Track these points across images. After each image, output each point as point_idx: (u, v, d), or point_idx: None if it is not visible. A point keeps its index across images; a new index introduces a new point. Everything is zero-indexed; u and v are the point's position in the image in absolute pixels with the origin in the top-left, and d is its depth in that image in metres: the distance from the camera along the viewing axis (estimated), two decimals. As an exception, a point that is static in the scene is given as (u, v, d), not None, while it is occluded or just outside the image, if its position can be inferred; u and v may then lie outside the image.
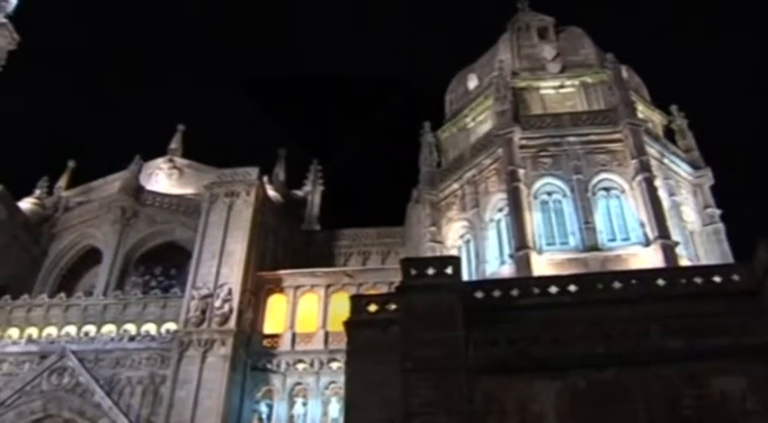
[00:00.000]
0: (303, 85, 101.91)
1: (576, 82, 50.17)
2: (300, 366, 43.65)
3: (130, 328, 46.52)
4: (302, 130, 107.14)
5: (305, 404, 42.47)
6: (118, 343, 45.40)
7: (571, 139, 45.42)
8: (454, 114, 53.33)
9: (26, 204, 57.31)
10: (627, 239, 41.66)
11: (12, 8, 73.85)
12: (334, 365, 42.34)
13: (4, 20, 72.01)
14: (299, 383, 43.24)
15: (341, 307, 38.97)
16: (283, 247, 52.71)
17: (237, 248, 46.84)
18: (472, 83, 53.95)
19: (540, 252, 40.98)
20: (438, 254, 42.35)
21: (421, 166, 50.79)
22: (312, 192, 62.16)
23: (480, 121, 50.89)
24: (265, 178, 54.62)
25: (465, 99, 53.41)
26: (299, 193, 62.61)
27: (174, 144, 63.52)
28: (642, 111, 48.93)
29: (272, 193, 55.83)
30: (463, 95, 54.08)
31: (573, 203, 43.09)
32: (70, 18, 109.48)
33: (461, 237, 46.44)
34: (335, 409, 41.36)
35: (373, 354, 25.49)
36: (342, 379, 34.94)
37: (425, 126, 52.74)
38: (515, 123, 46.15)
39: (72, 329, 46.98)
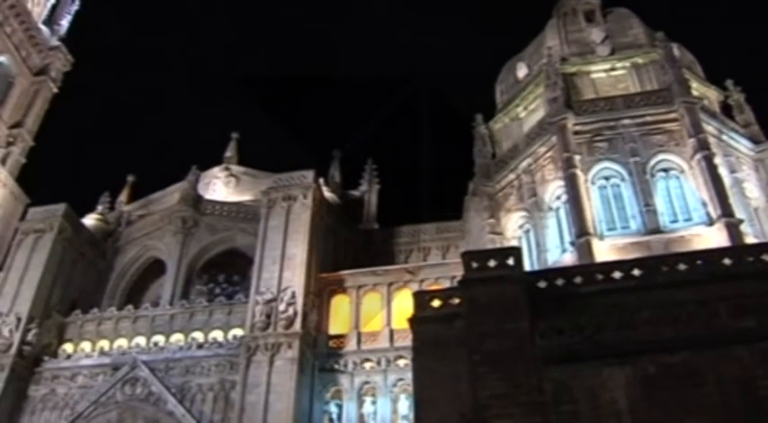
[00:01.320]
0: (339, 85, 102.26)
1: (627, 63, 49.58)
2: (367, 365, 43.80)
3: (198, 336, 47.20)
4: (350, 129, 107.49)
5: (374, 403, 42.61)
6: (187, 351, 46.06)
7: (626, 121, 44.89)
8: (505, 105, 53.06)
9: (90, 220, 58.43)
10: (689, 220, 41.05)
11: (64, 31, 75.72)
12: (401, 363, 42.39)
13: (58, 43, 73.88)
14: (367, 382, 43.38)
15: (404, 304, 39.07)
16: (343, 247, 52.94)
17: (298, 252, 47.13)
18: (521, 72, 53.64)
19: (601, 238, 40.59)
20: (498, 245, 42.15)
21: (475, 158, 50.61)
22: (368, 191, 62.23)
23: (532, 109, 50.58)
24: (321, 180, 54.90)
25: (515, 88, 53.12)
26: (356, 192, 62.76)
27: (229, 152, 64.18)
28: (697, 88, 48.17)
29: (328, 194, 56.10)
30: (513, 85, 53.78)
31: (632, 187, 42.60)
32: (120, 33, 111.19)
33: (521, 227, 46.19)
34: (405, 406, 41.40)
35: (439, 349, 25.46)
36: (409, 376, 35.00)
37: (477, 118, 52.54)
38: (568, 109, 45.75)
39: (142, 340, 47.86)
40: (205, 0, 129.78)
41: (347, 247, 53.39)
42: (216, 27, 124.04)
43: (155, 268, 55.80)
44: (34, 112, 69.35)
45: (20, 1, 70.76)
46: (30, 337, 47.45)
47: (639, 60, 49.43)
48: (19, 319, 47.89)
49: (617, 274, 27.09)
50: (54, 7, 77.22)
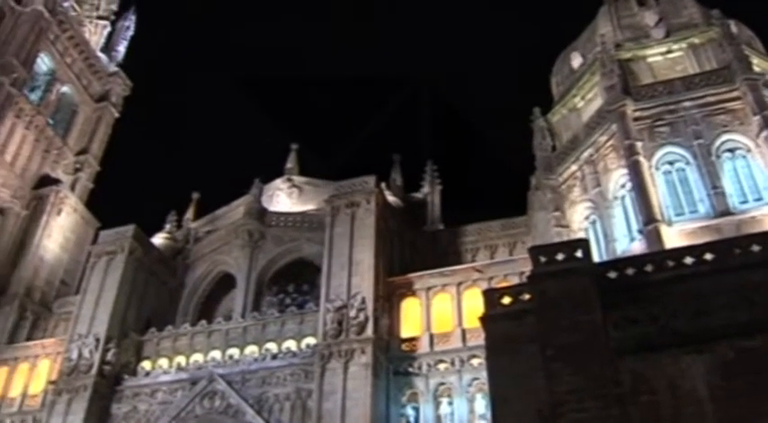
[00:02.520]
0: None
1: (684, 44, 48.77)
2: (442, 366, 43.71)
3: (272, 346, 47.68)
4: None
5: (450, 403, 42.52)
6: (261, 362, 46.56)
7: (686, 104, 44.15)
8: (562, 96, 52.61)
9: (159, 240, 59.49)
10: (759, 199, 40.20)
11: (121, 56, 77.49)
12: (475, 362, 42.24)
13: (116, 69, 75.61)
14: (442, 383, 43.30)
15: (474, 303, 38.92)
16: (410, 250, 52.97)
17: (365, 257, 47.29)
18: (576, 61, 53.11)
19: (669, 224, 39.98)
20: (565, 238, 41.79)
21: (535, 151, 50.31)
22: (431, 192, 62.13)
23: (590, 98, 50.05)
24: (383, 185, 55.06)
25: (571, 79, 52.63)
26: (418, 195, 62.74)
27: (290, 163, 64.71)
28: (758, 64, 47.05)
29: (391, 198, 56.21)
30: (568, 75, 53.29)
31: (697, 170, 41.88)
32: (171, 48, 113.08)
33: (586, 218, 45.75)
34: (481, 405, 41.22)
35: (512, 346, 25.32)
36: (484, 375, 35.00)
37: (535, 111, 52.19)
38: (626, 96, 45.19)
39: (217, 354, 48.53)
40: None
41: (413, 250, 53.39)
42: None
43: (225, 282, 56.54)
44: (98, 137, 71.23)
45: (78, 31, 72.70)
46: (109, 356, 48.53)
47: (696, 40, 48.58)
48: (98, 340, 49.00)
49: (688, 260, 26.59)
50: (110, 35, 79.03)
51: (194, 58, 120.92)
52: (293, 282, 55.41)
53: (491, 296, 27.90)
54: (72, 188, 65.76)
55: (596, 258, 35.76)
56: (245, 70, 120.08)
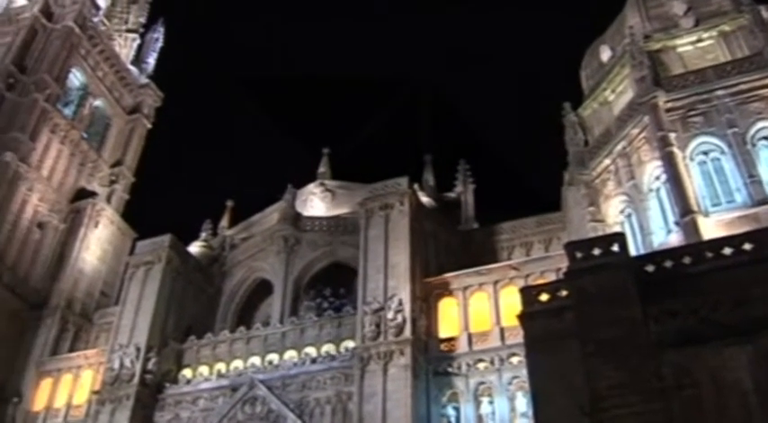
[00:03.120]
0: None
1: (714, 33, 48.17)
2: (481, 365, 43.57)
3: (311, 351, 47.86)
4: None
5: (491, 402, 42.36)
6: (301, 367, 46.72)
7: (719, 93, 43.64)
8: (592, 90, 52.26)
9: (195, 248, 59.98)
10: (798, 187, 39.66)
11: (151, 68, 78.36)
12: (515, 360, 42.06)
13: (147, 80, 76.47)
14: (482, 383, 43.15)
15: (512, 301, 38.75)
16: (445, 250, 52.84)
17: (401, 259, 47.27)
18: (605, 55, 52.72)
19: (706, 214, 39.56)
20: (601, 233, 41.41)
21: (568, 147, 49.99)
22: (464, 192, 61.97)
23: (620, 91, 49.68)
24: (416, 186, 55.03)
25: (600, 72, 52.27)
26: (452, 194, 62.61)
27: (322, 168, 64.94)
28: (791, 49, 46.43)
29: (424, 199, 56.15)
30: (598, 69, 52.93)
31: (733, 159, 41.37)
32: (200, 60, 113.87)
33: (622, 212, 45.40)
34: (522, 403, 41.01)
35: (551, 343, 25.26)
36: (524, 373, 34.83)
37: (566, 106, 51.87)
38: (657, 87, 44.78)
39: (256, 360, 48.79)
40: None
41: (449, 250, 53.26)
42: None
43: (262, 288, 56.84)
44: (132, 149, 72.07)
45: (108, 46, 73.64)
46: (150, 365, 49.00)
47: (726, 28, 47.97)
48: (138, 350, 49.51)
49: (727, 251, 26.37)
50: (140, 47, 79.92)
51: (220, 64, 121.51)
52: (330, 286, 55.48)
53: (528, 294, 27.89)
54: (108, 200, 66.52)
55: (633, 252, 35.46)
56: (269, 74, 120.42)
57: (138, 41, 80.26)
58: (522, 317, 27.20)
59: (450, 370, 43.94)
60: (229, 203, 66.58)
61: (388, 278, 46.42)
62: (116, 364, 49.16)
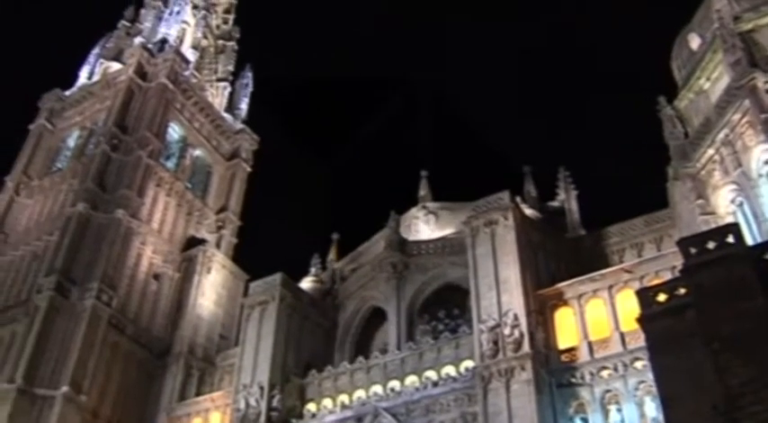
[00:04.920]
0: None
1: (808, 5, 46.60)
2: (605, 373, 42.69)
3: (431, 374, 47.78)
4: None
5: (619, 410, 41.40)
6: (423, 391, 46.68)
7: (820, 66, 42.13)
8: (686, 80, 51.07)
9: (306, 284, 60.90)
10: None
11: (244, 113, 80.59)
12: (639, 364, 41.08)
13: (242, 125, 78.61)
14: (608, 391, 42.23)
15: (629, 305, 38.04)
16: (554, 260, 52.18)
17: (511, 273, 46.88)
18: (694, 42, 51.49)
19: (822, 194, 38.13)
20: (713, 226, 40.29)
21: (668, 141, 48.95)
22: (567, 199, 61.22)
23: (716, 78, 48.40)
24: (518, 198, 54.63)
25: (692, 61, 51.05)
26: (555, 203, 61.93)
27: (423, 191, 65.09)
28: None
29: (528, 211, 55.69)
30: (689, 58, 51.71)
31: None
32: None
33: (732, 201, 44.12)
34: (652, 408, 39.94)
35: (675, 343, 24.65)
36: (650, 376, 33.92)
37: (661, 100, 50.85)
38: (754, 69, 43.55)
39: (378, 388, 49.03)
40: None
41: (558, 259, 52.57)
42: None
43: (376, 317, 57.18)
44: (235, 193, 74.07)
45: (202, 97, 76.18)
46: (275, 402, 49.73)
47: (820, -1, 46.38)
48: (262, 388, 50.36)
49: None
50: (231, 94, 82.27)
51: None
52: (443, 307, 55.40)
53: (645, 295, 27.33)
54: (217, 245, 68.37)
55: (749, 241, 34.41)
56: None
57: (228, 89, 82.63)
58: (642, 319, 26.64)
59: (573, 381, 43.23)
60: (335, 236, 67.36)
61: (501, 294, 46.07)
62: (242, 405, 50.09)
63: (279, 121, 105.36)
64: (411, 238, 59.20)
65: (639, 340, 36.76)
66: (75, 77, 78.80)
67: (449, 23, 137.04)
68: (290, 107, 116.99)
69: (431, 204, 63.35)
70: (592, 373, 42.97)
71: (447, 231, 58.65)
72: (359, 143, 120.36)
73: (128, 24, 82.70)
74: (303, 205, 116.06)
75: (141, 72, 72.05)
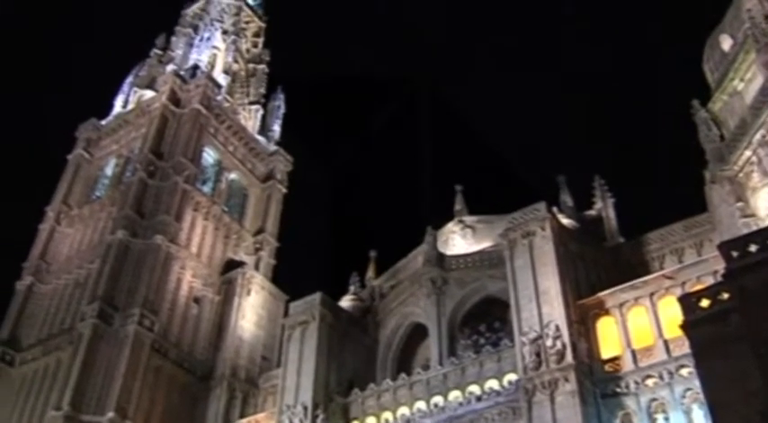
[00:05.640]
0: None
1: (841, 1, 46.08)
2: (650, 382, 42.15)
3: (474, 389, 47.51)
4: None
5: (666, 419, 40.82)
6: (467, 406, 46.43)
7: None
8: (719, 82, 50.61)
9: (346, 302, 60.96)
10: None
11: (277, 135, 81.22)
12: (685, 372, 40.54)
13: (275, 147, 79.20)
14: (654, 399, 41.67)
15: (671, 311, 37.55)
16: (594, 269, 51.79)
17: (551, 284, 46.60)
18: (726, 44, 51.07)
19: None
20: (753, 228, 39.81)
21: (703, 144, 48.51)
22: (604, 207, 60.80)
23: (749, 78, 47.96)
24: (554, 208, 54.33)
25: (724, 62, 50.61)
26: (592, 212, 61.52)
27: (458, 205, 64.97)
28: None
29: (565, 220, 55.32)
30: (721, 59, 51.26)
31: None
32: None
33: (773, 203, 43.57)
34: (699, 415, 39.32)
35: (720, 349, 24.32)
36: (697, 384, 33.59)
37: (694, 104, 50.42)
38: (789, 67, 43.04)
39: (422, 405, 48.81)
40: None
41: (598, 268, 52.18)
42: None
43: (417, 333, 57.01)
44: (271, 215, 74.60)
45: (235, 120, 77.00)
46: (318, 422, 49.75)
47: None
48: (305, 408, 50.40)
49: None
50: (263, 117, 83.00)
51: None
52: (484, 321, 55.12)
53: (688, 301, 27.05)
54: (256, 267, 68.81)
55: (793, 242, 33.88)
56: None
57: (261, 111, 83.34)
58: (686, 326, 26.36)
59: (618, 390, 42.76)
60: (372, 254, 67.38)
61: (542, 305, 45.81)
62: (286, 425, 50.29)
63: (309, 140, 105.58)
64: (448, 252, 59.05)
65: (684, 347, 36.30)
66: (110, 107, 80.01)
67: (476, 33, 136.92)
68: (318, 129, 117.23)
69: (467, 218, 63.20)
70: (637, 382, 42.49)
71: (484, 245, 58.43)
72: (389, 160, 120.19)
73: (160, 52, 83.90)
74: (338, 223, 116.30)
75: (174, 98, 72.96)
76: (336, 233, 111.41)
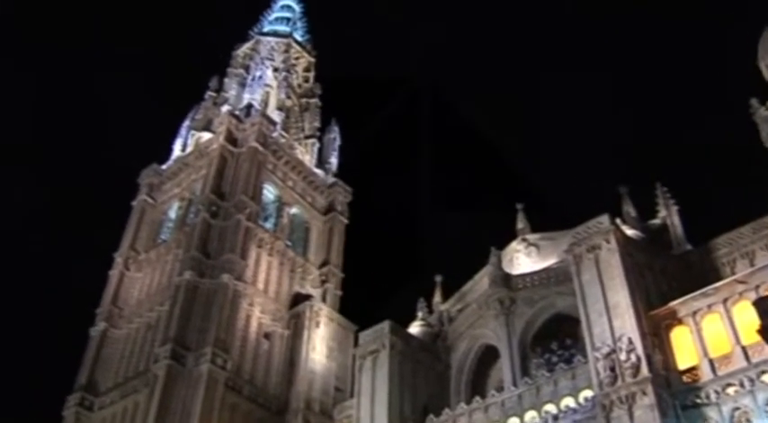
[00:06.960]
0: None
1: None
2: (731, 390, 41.18)
3: (550, 408, 47.03)
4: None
5: (752, 427, 40.00)
6: (545, 426, 46.12)
7: None
8: (777, 79, 49.80)
9: (415, 328, 60.94)
10: None
11: (335, 167, 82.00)
12: (766, 378, 39.58)
13: (334, 179, 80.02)
14: (736, 408, 40.66)
15: (747, 317, 36.86)
16: (663, 279, 51.00)
17: (620, 297, 46.02)
18: (781, 41, 50.28)
19: None
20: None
21: (765, 143, 47.61)
22: (668, 215, 59.97)
23: (811, 73, 47.08)
24: (618, 220, 53.77)
25: (780, 59, 49.79)
26: (656, 221, 60.75)
27: (521, 224, 64.70)
28: None
29: (629, 231, 54.65)
30: (777, 56, 50.44)
31: None
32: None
33: (842, 199, 42.55)
34: (786, 422, 38.45)
35: (801, 352, 23.77)
36: (783, 389, 32.74)
37: (753, 103, 49.61)
38: None
39: (498, 427, 48.56)
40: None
41: (667, 278, 51.35)
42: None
43: (488, 355, 56.73)
44: (334, 246, 75.27)
45: (292, 155, 78.09)
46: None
47: None
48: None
49: None
50: (320, 150, 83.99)
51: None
52: (555, 338, 54.63)
53: (764, 305, 26.57)
54: (323, 299, 69.32)
55: None
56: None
57: (317, 145, 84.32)
58: (763, 330, 25.85)
59: (698, 401, 41.86)
60: (438, 278, 67.33)
61: (612, 319, 45.27)
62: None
63: (368, 170, 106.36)
64: (514, 272, 58.76)
65: (764, 352, 35.61)
66: (169, 151, 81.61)
67: (532, 48, 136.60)
68: (373, 157, 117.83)
69: (530, 236, 62.83)
70: (717, 392, 41.58)
71: (549, 262, 58.03)
72: (446, 184, 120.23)
73: (214, 94, 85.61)
74: (401, 250, 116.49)
75: (231, 138, 74.19)
76: (399, 259, 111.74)
